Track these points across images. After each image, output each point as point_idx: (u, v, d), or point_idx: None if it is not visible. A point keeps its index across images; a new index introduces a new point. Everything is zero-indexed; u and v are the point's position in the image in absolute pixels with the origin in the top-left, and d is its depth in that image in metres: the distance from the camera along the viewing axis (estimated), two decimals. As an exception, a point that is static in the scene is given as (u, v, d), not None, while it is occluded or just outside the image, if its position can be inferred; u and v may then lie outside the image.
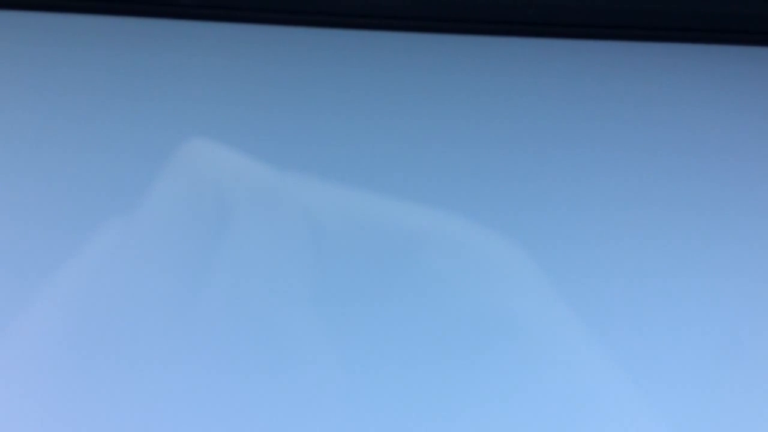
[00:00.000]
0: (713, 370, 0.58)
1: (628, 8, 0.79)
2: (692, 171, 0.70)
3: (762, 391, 0.58)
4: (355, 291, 0.61)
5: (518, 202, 0.67)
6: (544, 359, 0.58)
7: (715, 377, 0.58)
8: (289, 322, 0.59)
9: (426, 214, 0.66)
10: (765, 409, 0.57)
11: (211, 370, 0.57)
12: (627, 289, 0.62)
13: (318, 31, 0.79)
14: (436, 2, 0.80)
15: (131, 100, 0.73)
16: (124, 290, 0.61)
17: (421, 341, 0.59)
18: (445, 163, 0.69)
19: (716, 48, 0.79)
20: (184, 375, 0.57)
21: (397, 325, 0.59)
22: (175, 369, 0.57)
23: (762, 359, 0.59)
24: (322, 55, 0.77)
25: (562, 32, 0.79)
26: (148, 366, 0.57)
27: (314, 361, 0.57)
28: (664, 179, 0.69)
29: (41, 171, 0.68)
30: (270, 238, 0.63)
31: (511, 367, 0.58)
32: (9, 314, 0.59)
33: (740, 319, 0.61)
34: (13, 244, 0.63)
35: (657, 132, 0.72)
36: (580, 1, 0.79)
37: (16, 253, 0.63)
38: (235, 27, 0.79)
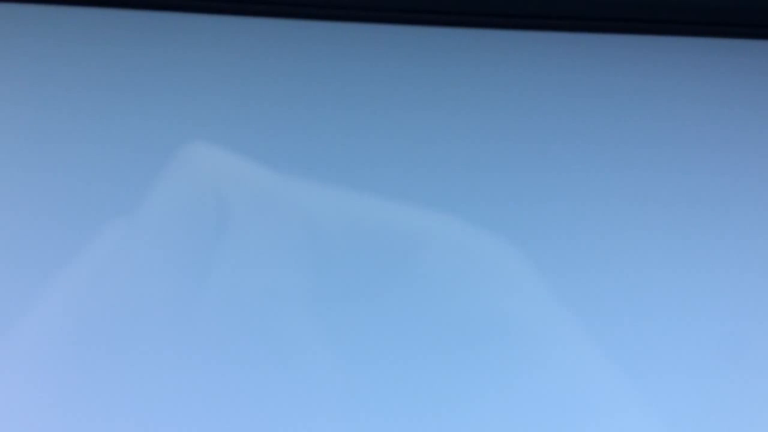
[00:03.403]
0: (711, 369, 0.58)
1: (629, 1, 0.79)
2: (692, 167, 0.69)
3: (762, 389, 0.58)
4: (352, 291, 0.61)
5: (516, 201, 0.66)
6: (545, 359, 0.58)
7: (714, 375, 0.58)
8: (287, 322, 0.59)
9: (424, 214, 0.66)
10: (765, 407, 0.57)
11: (211, 370, 0.57)
12: (626, 287, 0.62)
13: (318, 25, 0.78)
14: None
15: (129, 96, 0.73)
16: (122, 290, 0.61)
17: (419, 341, 0.59)
18: (443, 162, 0.69)
19: (718, 42, 0.79)
20: (183, 374, 0.57)
21: (395, 325, 0.59)
22: (174, 368, 0.57)
23: (762, 357, 0.59)
24: (322, 50, 0.77)
25: (561, 25, 0.79)
26: (147, 365, 0.57)
27: (312, 360, 0.57)
28: (664, 176, 0.69)
29: (40, 169, 0.68)
30: (269, 237, 0.63)
31: (510, 366, 0.58)
32: (9, 314, 0.59)
33: (740, 317, 0.61)
34: (12, 243, 0.63)
35: (658, 128, 0.72)
36: None
37: (15, 253, 0.63)
38: (235, 22, 0.79)
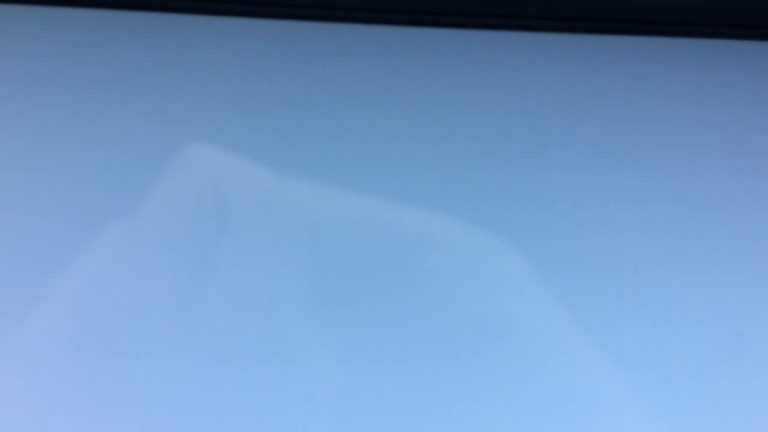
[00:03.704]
0: (712, 369, 0.58)
1: (629, 2, 0.79)
2: (692, 167, 0.69)
3: (762, 389, 0.58)
4: (352, 291, 0.61)
5: (517, 201, 0.66)
6: (545, 359, 0.58)
7: (715, 376, 0.58)
8: (287, 322, 0.59)
9: (425, 215, 0.66)
10: (765, 407, 0.57)
11: (211, 370, 0.57)
12: (627, 288, 0.62)
13: (318, 26, 0.78)
14: None
15: (129, 97, 0.73)
16: (123, 289, 0.61)
17: (420, 341, 0.58)
18: (443, 162, 0.69)
19: (718, 43, 0.79)
20: (184, 374, 0.57)
21: (396, 325, 0.59)
22: (175, 368, 0.57)
23: (762, 357, 0.59)
24: (322, 51, 0.77)
25: (561, 26, 0.79)
26: (148, 365, 0.57)
27: (312, 360, 0.57)
28: (664, 176, 0.69)
29: (41, 170, 0.68)
30: (269, 237, 0.63)
31: (510, 367, 0.58)
32: (10, 315, 0.59)
33: (740, 318, 0.61)
34: (12, 244, 0.63)
35: (657, 128, 0.72)
36: None
37: (15, 253, 0.63)
38: (235, 23, 0.79)
